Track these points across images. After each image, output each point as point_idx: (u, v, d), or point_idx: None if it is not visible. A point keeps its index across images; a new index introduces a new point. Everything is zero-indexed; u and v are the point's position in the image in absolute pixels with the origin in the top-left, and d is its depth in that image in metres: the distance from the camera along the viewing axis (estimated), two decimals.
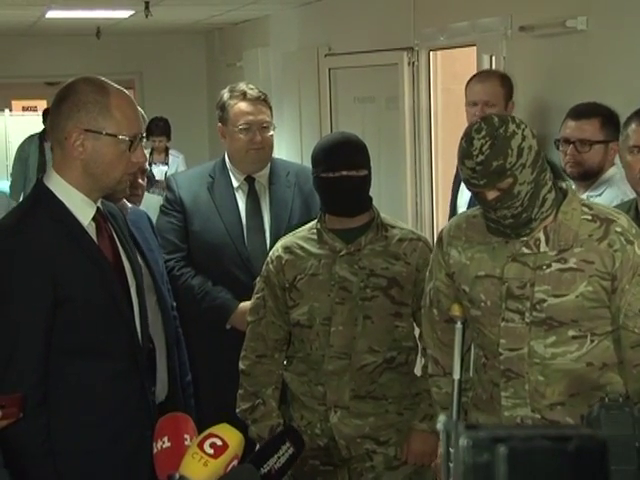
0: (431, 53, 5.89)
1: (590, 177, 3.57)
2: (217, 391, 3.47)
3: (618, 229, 2.42)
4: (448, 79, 5.93)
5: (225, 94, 3.68)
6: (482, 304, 2.51)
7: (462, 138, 2.39)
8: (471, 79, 4.27)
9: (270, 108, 3.69)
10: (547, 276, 2.43)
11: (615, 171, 3.46)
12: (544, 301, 2.43)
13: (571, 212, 2.44)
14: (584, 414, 1.46)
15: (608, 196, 3.45)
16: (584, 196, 3.53)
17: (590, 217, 2.45)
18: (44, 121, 8.70)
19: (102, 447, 2.42)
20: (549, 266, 2.43)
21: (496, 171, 2.32)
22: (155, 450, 1.78)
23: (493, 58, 5.05)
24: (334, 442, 3.01)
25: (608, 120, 3.54)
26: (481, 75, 4.31)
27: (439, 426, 0.99)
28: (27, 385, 2.30)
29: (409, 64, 5.97)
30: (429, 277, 2.69)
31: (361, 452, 3.01)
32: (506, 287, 2.46)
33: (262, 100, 3.66)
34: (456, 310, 2.59)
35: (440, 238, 2.64)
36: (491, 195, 2.37)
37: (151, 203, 4.48)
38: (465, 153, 2.35)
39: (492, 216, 2.42)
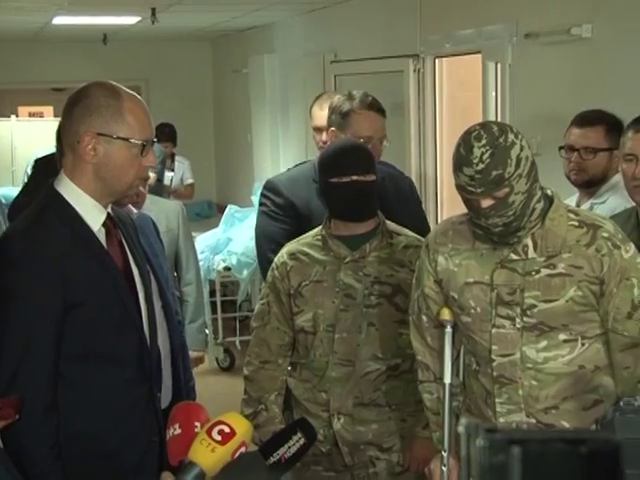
0: (437, 60, 5.91)
1: (594, 184, 3.57)
2: None
3: (605, 234, 2.44)
4: (454, 86, 5.95)
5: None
6: (472, 311, 2.52)
7: (459, 145, 2.38)
8: None
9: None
10: (537, 282, 2.45)
11: (619, 178, 3.46)
12: (534, 306, 2.45)
13: (558, 218, 2.46)
14: (598, 417, 1.46)
15: (612, 203, 3.45)
16: (588, 203, 3.55)
17: (577, 223, 2.47)
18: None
19: (110, 451, 2.42)
20: (538, 272, 2.45)
21: (494, 180, 2.33)
22: (167, 437, 1.81)
23: (498, 65, 5.07)
24: (337, 449, 3.01)
25: (613, 128, 3.54)
26: None
27: (460, 429, 1.01)
28: (38, 387, 2.30)
29: (415, 71, 5.99)
30: (416, 284, 2.69)
31: (364, 459, 3.02)
32: (496, 293, 2.48)
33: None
34: (446, 314, 2.59)
35: (426, 245, 2.65)
36: (486, 203, 2.38)
37: (169, 209, 4.49)
38: (464, 161, 2.35)
39: (482, 223, 2.43)
